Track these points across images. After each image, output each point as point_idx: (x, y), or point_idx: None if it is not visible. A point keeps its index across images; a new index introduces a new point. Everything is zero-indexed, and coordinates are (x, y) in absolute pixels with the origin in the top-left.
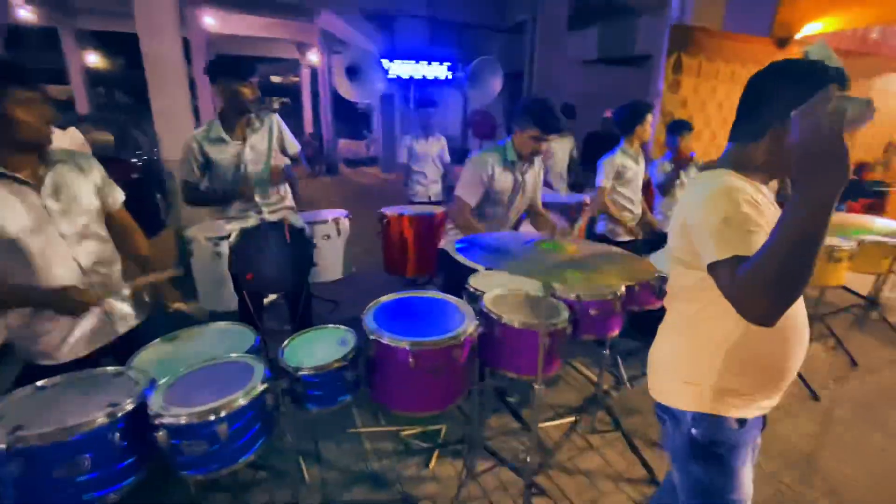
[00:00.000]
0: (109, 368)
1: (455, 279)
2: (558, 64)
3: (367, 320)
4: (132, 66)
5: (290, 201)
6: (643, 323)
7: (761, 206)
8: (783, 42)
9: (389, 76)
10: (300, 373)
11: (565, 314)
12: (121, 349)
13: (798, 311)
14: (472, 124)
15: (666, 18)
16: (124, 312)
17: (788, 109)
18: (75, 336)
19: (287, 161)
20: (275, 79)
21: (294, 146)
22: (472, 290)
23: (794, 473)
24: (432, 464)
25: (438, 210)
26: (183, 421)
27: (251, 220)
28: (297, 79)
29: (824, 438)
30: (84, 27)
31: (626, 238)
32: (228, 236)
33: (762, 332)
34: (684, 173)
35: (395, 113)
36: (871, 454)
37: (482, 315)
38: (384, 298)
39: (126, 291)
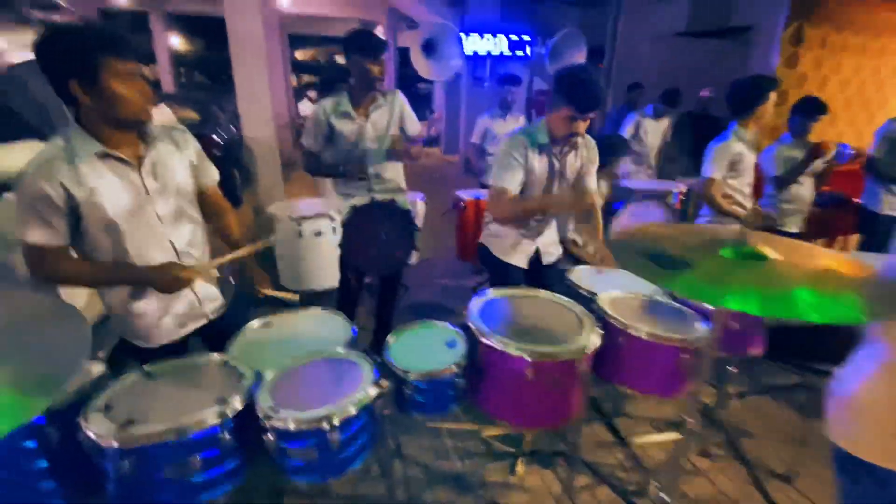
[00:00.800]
0: (214, 356)
1: (500, 277)
2: (643, 37)
3: (474, 319)
4: (210, 48)
5: (401, 182)
6: (784, 340)
7: None
8: None
9: (465, 52)
10: (410, 377)
11: (703, 326)
12: (210, 333)
13: None
14: (535, 104)
15: None
16: (212, 295)
17: None
18: (168, 319)
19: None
20: (340, 59)
21: (416, 126)
22: (577, 288)
23: None
24: (519, 471)
25: None
26: (293, 427)
27: (362, 198)
28: None
29: None
30: (173, 10)
31: None
32: (315, 216)
33: None
34: (817, 164)
35: (461, 92)
36: None
37: (602, 322)
38: (492, 294)
39: (215, 272)
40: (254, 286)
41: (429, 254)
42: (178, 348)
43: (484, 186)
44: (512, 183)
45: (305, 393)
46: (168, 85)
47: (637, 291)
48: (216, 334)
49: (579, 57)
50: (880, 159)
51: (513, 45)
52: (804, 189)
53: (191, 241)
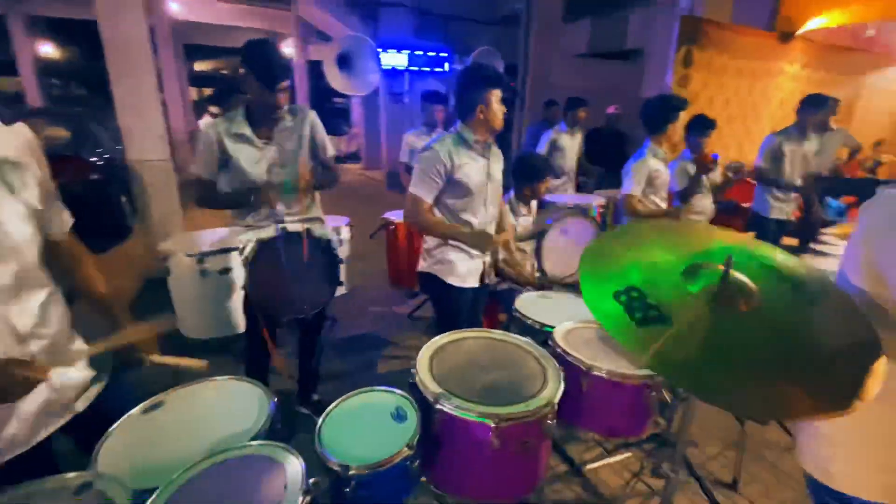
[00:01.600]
0: (70, 476)
1: (449, 304)
2: (553, 58)
3: (424, 378)
4: (87, 56)
5: (317, 210)
6: None
7: None
8: (786, 37)
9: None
10: (351, 472)
11: None
12: (80, 427)
13: None
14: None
15: (654, 12)
16: (76, 379)
17: None
18: (14, 425)
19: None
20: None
21: (329, 149)
22: (527, 321)
23: None
24: None
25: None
26: None
27: (269, 231)
28: None
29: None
30: (36, 13)
31: None
32: (222, 251)
33: None
34: (707, 178)
35: (380, 107)
36: None
37: (559, 359)
38: (439, 340)
39: (81, 351)
40: (136, 352)
41: (357, 280)
42: (33, 459)
43: None
44: (429, 194)
45: None
46: (35, 98)
47: (588, 319)
48: (90, 428)
49: None
50: (766, 168)
51: (430, 61)
52: (707, 200)
53: (40, 318)
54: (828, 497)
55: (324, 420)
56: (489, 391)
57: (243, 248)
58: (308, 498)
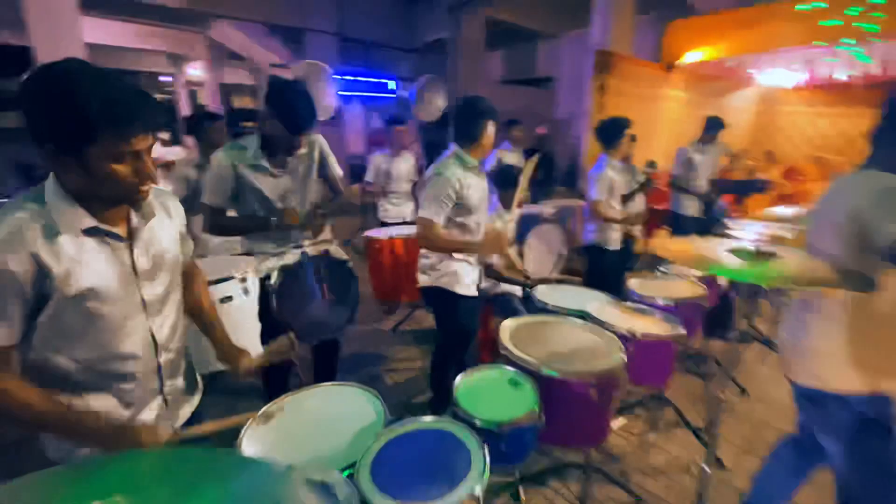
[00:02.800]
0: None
1: (457, 318)
2: (478, 83)
3: (518, 353)
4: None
5: (329, 233)
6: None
7: None
8: (670, 67)
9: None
10: (502, 428)
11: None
12: None
13: None
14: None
15: (559, 44)
16: (184, 398)
17: None
18: None
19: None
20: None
21: (337, 171)
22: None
23: None
24: (522, 497)
25: None
26: None
27: (290, 256)
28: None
29: None
30: None
31: (618, 246)
32: (220, 280)
33: None
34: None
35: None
36: None
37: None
38: (509, 324)
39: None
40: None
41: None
42: None
43: (384, 224)
44: (439, 216)
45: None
46: None
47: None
48: None
49: (439, 101)
50: (678, 176)
51: (374, 87)
52: (640, 200)
53: (172, 333)
54: (820, 399)
55: (456, 392)
56: (573, 359)
57: (269, 276)
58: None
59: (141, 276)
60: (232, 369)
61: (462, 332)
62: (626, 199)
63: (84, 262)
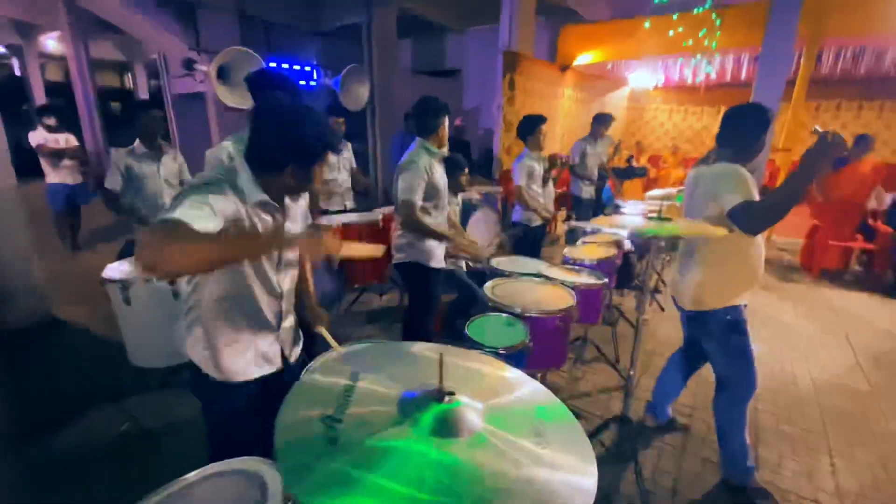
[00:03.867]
0: None
1: (429, 289)
2: (392, 73)
3: (499, 300)
4: None
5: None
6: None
7: None
8: (564, 68)
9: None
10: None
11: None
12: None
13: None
14: None
15: (467, 38)
16: (296, 338)
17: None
18: (250, 354)
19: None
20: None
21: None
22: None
23: None
24: None
25: (384, 212)
26: None
27: None
28: None
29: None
30: None
31: (539, 223)
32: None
33: (753, 251)
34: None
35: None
36: None
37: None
38: (488, 286)
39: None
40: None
41: None
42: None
43: (326, 212)
44: (418, 197)
45: None
46: None
47: (543, 265)
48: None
49: (364, 90)
50: (575, 165)
51: (300, 75)
52: (551, 186)
53: (290, 285)
54: (703, 318)
55: (467, 328)
56: (540, 302)
57: None
58: None
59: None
60: (317, 321)
61: (432, 301)
62: (543, 182)
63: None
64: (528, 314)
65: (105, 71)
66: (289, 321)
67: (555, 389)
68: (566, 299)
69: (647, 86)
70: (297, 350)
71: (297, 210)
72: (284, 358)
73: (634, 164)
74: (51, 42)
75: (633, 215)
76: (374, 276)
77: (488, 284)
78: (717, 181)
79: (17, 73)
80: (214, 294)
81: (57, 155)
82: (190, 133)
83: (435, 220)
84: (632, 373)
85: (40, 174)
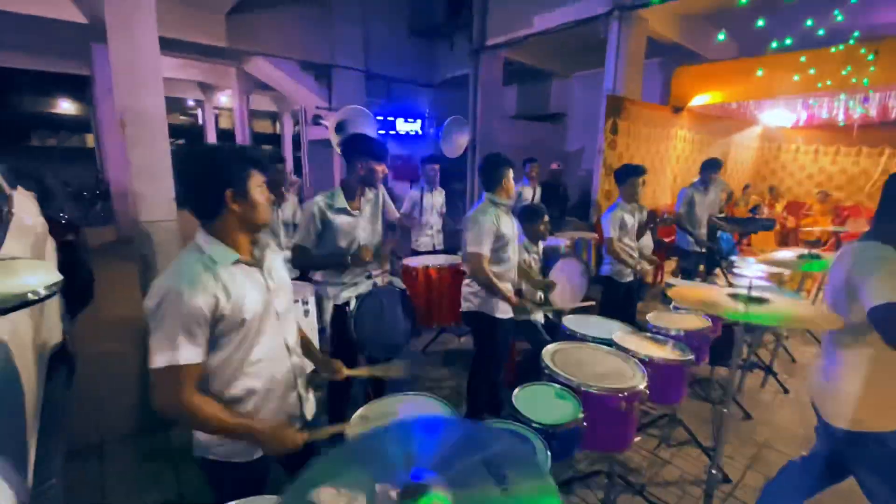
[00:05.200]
0: None
1: (496, 338)
2: (494, 118)
3: (558, 371)
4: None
5: (388, 265)
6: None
7: None
8: (678, 110)
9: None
10: (556, 429)
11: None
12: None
13: None
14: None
15: (572, 83)
16: (310, 394)
17: None
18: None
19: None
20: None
21: (394, 213)
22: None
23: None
24: None
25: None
26: None
27: (363, 286)
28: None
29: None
30: None
31: (630, 279)
32: None
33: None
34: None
35: (332, 162)
36: None
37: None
38: (550, 349)
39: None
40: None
41: None
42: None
43: (416, 253)
44: (486, 248)
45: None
46: None
47: (622, 329)
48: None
49: (463, 138)
50: (682, 215)
51: (411, 126)
52: (648, 238)
53: (296, 338)
54: (861, 441)
55: (515, 400)
56: (604, 376)
57: (348, 303)
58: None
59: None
60: (330, 376)
61: (498, 351)
62: (638, 235)
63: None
64: (583, 388)
65: (260, 119)
66: None
67: (631, 470)
68: (635, 375)
69: (784, 124)
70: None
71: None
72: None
73: (764, 212)
74: (224, 97)
75: (747, 276)
76: (454, 318)
77: (549, 348)
78: (861, 265)
79: (200, 122)
80: None
81: None
82: (317, 172)
83: (501, 269)
84: (713, 472)
85: None
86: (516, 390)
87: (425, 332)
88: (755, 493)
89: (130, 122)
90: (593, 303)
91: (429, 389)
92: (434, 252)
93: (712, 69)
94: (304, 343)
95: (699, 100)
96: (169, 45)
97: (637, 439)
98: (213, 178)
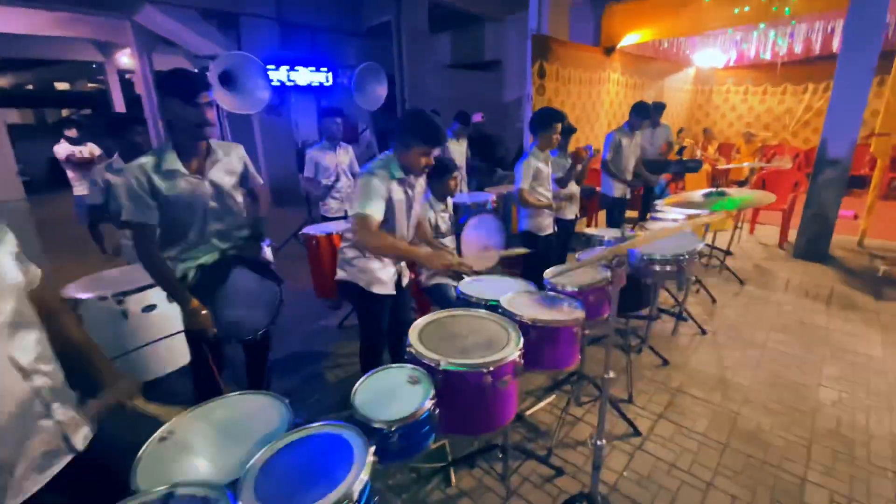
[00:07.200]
0: (148, 494)
1: (370, 308)
2: (424, 68)
3: (419, 350)
4: None
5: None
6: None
7: None
8: (609, 51)
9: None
10: (393, 427)
11: (578, 306)
12: (72, 477)
13: None
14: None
15: (506, 27)
16: (79, 420)
17: None
18: (22, 465)
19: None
20: (61, 85)
21: (258, 180)
22: (472, 299)
23: (717, 394)
24: (453, 480)
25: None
26: None
27: (208, 257)
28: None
29: (721, 362)
30: None
31: (550, 232)
32: (141, 288)
33: None
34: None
35: (253, 123)
36: (752, 365)
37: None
38: (420, 323)
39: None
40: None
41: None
42: None
43: (325, 219)
44: (378, 212)
45: (298, 490)
46: None
47: (517, 289)
48: (83, 479)
49: (381, 89)
50: (608, 161)
51: (316, 77)
52: (574, 185)
53: (40, 353)
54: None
55: (354, 394)
56: (473, 349)
57: (185, 276)
58: (372, 458)
59: None
60: (118, 399)
61: (374, 326)
62: (562, 182)
63: None
64: (441, 367)
65: None
66: None
67: (540, 433)
68: (511, 343)
69: (716, 65)
70: None
71: None
72: None
73: (697, 154)
74: (124, 58)
75: (669, 222)
76: None
77: (421, 321)
78: None
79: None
80: None
81: (86, 166)
82: (241, 137)
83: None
84: (600, 442)
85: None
86: (359, 382)
87: (344, 307)
88: (665, 442)
89: None
90: (524, 250)
91: (338, 367)
92: (346, 218)
93: (642, 6)
94: (84, 354)
95: (630, 38)
96: None
97: (551, 398)
98: None
